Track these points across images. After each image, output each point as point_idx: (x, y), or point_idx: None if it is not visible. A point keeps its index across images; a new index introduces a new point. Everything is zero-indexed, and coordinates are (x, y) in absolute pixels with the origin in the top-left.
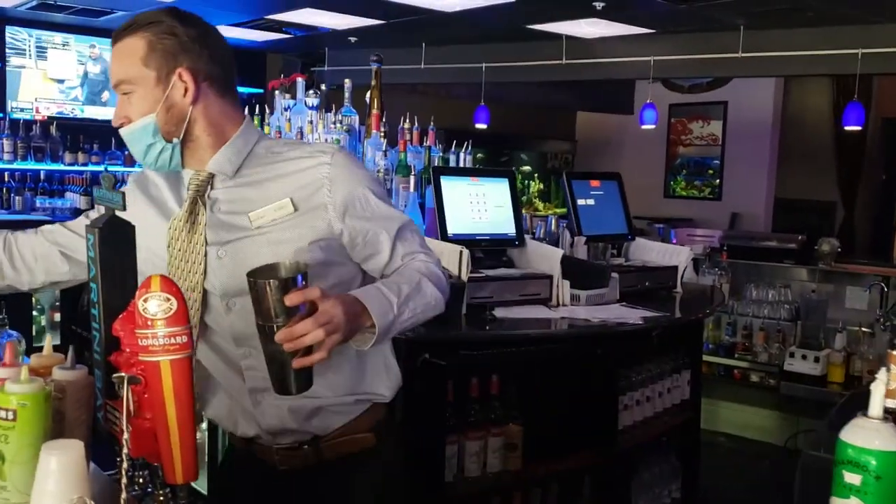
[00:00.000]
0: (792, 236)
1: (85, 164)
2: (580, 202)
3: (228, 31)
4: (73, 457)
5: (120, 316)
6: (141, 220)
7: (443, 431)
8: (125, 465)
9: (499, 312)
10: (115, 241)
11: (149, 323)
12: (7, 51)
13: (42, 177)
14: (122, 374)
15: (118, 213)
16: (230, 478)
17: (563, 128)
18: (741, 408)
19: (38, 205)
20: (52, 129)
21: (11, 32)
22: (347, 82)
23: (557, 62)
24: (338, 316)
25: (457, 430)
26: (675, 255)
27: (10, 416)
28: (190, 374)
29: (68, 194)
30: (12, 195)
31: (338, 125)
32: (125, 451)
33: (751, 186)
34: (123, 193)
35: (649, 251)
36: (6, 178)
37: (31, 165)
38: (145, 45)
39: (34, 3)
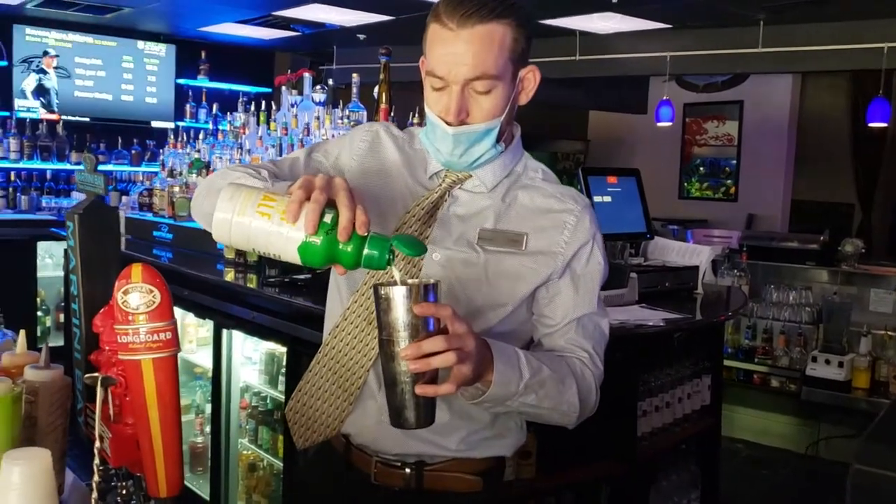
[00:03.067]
0: (813, 237)
1: None
2: (597, 199)
3: (236, 29)
4: (39, 467)
5: (101, 310)
6: (365, 185)
7: None
8: (96, 478)
9: None
10: (98, 228)
11: (129, 318)
12: (14, 49)
13: (48, 176)
14: (96, 374)
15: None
16: (317, 477)
17: (574, 127)
18: (761, 414)
19: (44, 204)
20: (59, 129)
21: (18, 31)
22: (355, 77)
23: (570, 58)
24: (470, 344)
25: None
26: (695, 254)
27: None
28: (175, 374)
29: (74, 194)
30: (18, 194)
31: (345, 120)
32: (96, 461)
33: (767, 187)
34: (105, 176)
35: (669, 251)
36: (12, 178)
37: (37, 165)
38: (513, 35)
39: (40, 1)
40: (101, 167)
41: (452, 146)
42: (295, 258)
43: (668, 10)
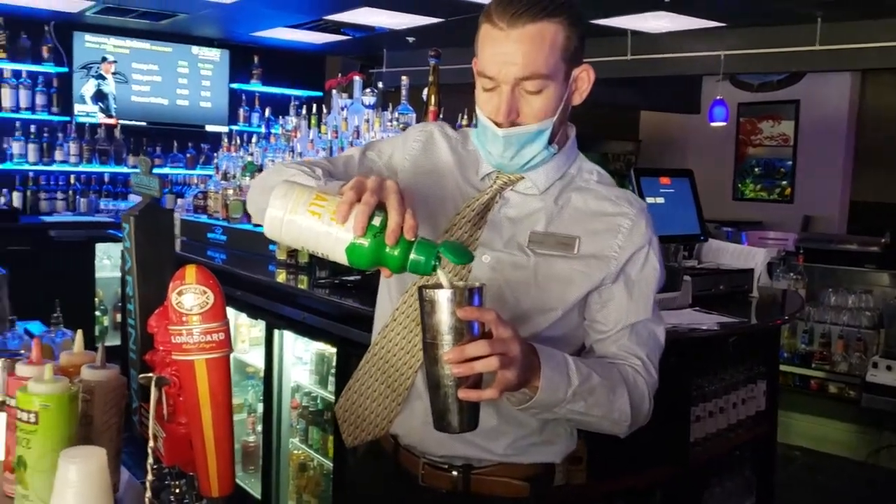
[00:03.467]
0: (873, 239)
1: None
2: (649, 200)
3: (287, 34)
4: (96, 466)
5: (156, 311)
6: (417, 185)
7: None
8: (150, 476)
9: None
10: (153, 230)
11: (183, 318)
12: (74, 56)
13: (106, 179)
14: (150, 374)
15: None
16: (366, 477)
17: (625, 127)
18: (818, 420)
19: (102, 206)
20: (116, 133)
21: (78, 38)
22: (404, 79)
23: (622, 58)
24: (515, 350)
25: None
26: (750, 257)
27: (32, 418)
28: (228, 374)
29: (131, 196)
30: (77, 197)
31: (394, 123)
32: (150, 460)
33: (824, 188)
34: (160, 179)
35: (723, 253)
36: (72, 181)
37: (95, 168)
38: (565, 34)
39: (99, 8)
40: (156, 170)
41: (503, 148)
42: (343, 259)
43: (721, 8)
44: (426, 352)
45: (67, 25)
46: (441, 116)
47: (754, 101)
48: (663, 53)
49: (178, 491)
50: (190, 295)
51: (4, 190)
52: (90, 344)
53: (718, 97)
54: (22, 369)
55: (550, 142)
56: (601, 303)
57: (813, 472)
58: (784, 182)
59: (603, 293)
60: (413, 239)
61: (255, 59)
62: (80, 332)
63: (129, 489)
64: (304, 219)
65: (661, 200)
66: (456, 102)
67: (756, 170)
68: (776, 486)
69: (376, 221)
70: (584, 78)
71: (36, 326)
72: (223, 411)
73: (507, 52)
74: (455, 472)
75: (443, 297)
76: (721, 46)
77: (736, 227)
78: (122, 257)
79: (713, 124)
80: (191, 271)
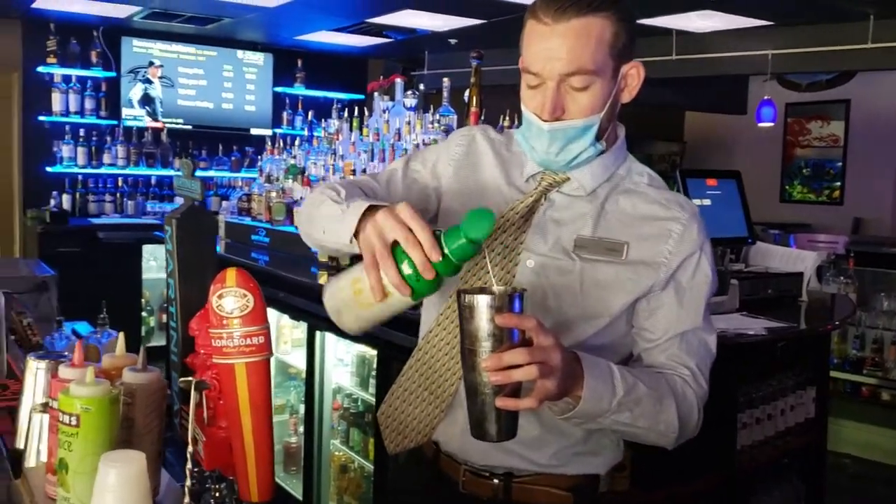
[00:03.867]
0: None
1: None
2: (695, 202)
3: (330, 37)
4: (135, 470)
5: (198, 314)
6: (463, 191)
7: None
8: (188, 482)
9: None
10: (195, 232)
11: (224, 322)
12: (122, 61)
13: (153, 182)
14: (189, 378)
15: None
16: (407, 482)
17: (670, 128)
18: (869, 428)
19: (148, 209)
20: (163, 136)
21: (126, 43)
22: (446, 81)
23: (667, 58)
24: (555, 358)
25: None
26: (799, 260)
27: (74, 421)
28: (268, 378)
29: (177, 199)
30: (125, 199)
31: (435, 125)
32: (188, 465)
33: (876, 190)
34: (201, 181)
35: (771, 256)
36: (119, 184)
37: (142, 171)
38: (612, 30)
39: (146, 13)
40: (202, 173)
41: (548, 143)
42: (412, 302)
43: (769, 6)
44: (464, 358)
45: (116, 31)
46: (483, 118)
47: (803, 101)
48: (709, 53)
49: (218, 495)
50: (230, 298)
51: (54, 192)
52: (136, 345)
53: (766, 97)
54: (64, 371)
55: (598, 139)
56: (650, 310)
57: (863, 481)
58: (834, 184)
59: (651, 300)
60: (440, 257)
61: (299, 62)
62: (121, 334)
63: (169, 492)
64: (360, 311)
65: (707, 202)
66: (498, 103)
67: (805, 171)
68: (825, 495)
69: (407, 269)
70: (634, 75)
71: (83, 327)
72: (263, 415)
73: (551, 47)
74: (496, 480)
75: (481, 303)
76: (768, 45)
77: (784, 230)
78: (165, 260)
79: (760, 125)
80: (231, 274)
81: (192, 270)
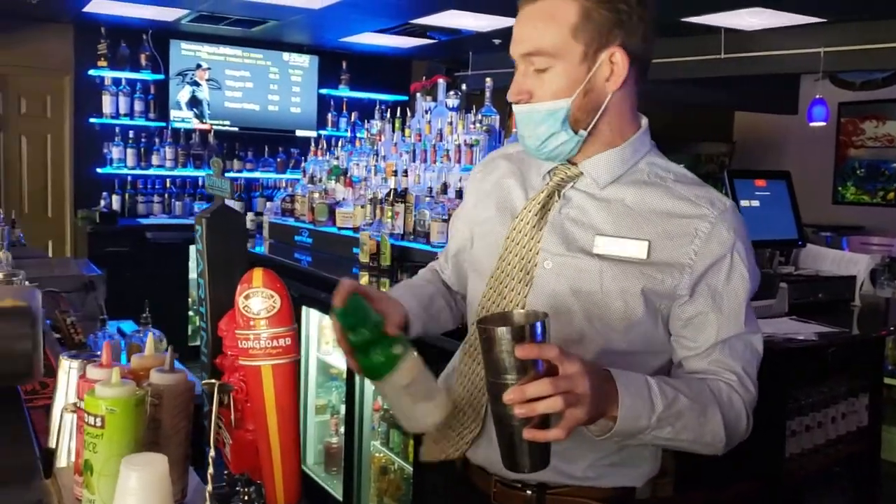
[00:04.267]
0: None
1: (240, 171)
2: (743, 203)
3: (375, 39)
4: (156, 473)
5: (227, 314)
6: (482, 208)
7: None
8: (209, 487)
9: None
10: (225, 231)
11: (251, 323)
12: (170, 63)
13: (200, 182)
14: (213, 381)
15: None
16: (437, 490)
17: (718, 128)
18: None
19: (196, 210)
20: (210, 138)
21: (174, 46)
22: (488, 81)
23: (715, 57)
24: (582, 386)
25: None
26: (852, 263)
27: (98, 422)
28: (294, 382)
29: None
30: (173, 200)
31: (477, 125)
32: (210, 470)
33: None
34: (231, 181)
35: (822, 259)
36: (167, 184)
37: (190, 172)
38: (578, 12)
39: (193, 16)
40: (248, 174)
41: (521, 127)
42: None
43: (822, 2)
44: (489, 389)
45: (164, 34)
46: None
47: (856, 101)
48: (759, 51)
49: (246, 498)
50: (257, 299)
51: (104, 193)
52: (183, 345)
53: (818, 96)
54: (92, 372)
55: (576, 127)
56: (685, 319)
57: None
58: (889, 185)
59: (687, 308)
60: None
61: (344, 64)
62: (151, 334)
63: (198, 494)
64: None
65: (756, 204)
66: None
67: (858, 172)
68: None
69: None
70: (618, 62)
71: (129, 325)
72: (289, 419)
73: (518, 29)
74: (529, 492)
75: (501, 336)
76: (820, 43)
77: (836, 232)
78: (196, 259)
79: (812, 125)
80: (258, 274)
81: (221, 270)
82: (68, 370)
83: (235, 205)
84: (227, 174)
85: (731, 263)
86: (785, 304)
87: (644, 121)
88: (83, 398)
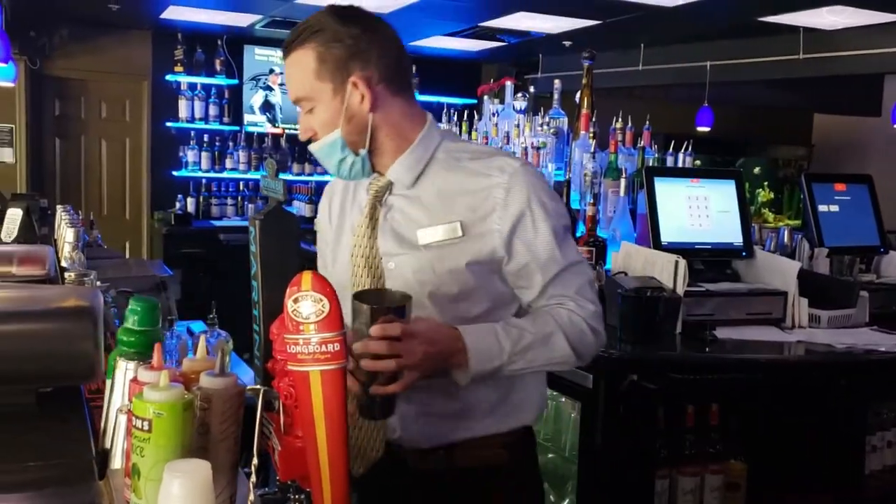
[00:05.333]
0: None
1: (311, 175)
2: (822, 209)
3: (444, 42)
4: (199, 479)
5: (278, 317)
6: (335, 230)
7: (653, 464)
8: (251, 497)
9: (720, 333)
10: (278, 233)
11: (300, 327)
12: (244, 68)
13: None
14: (258, 387)
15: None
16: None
17: (796, 131)
18: None
19: None
20: (282, 142)
21: (248, 51)
22: (557, 83)
23: (793, 57)
24: (416, 354)
25: (669, 464)
26: None
27: (146, 426)
28: (343, 388)
29: (295, 203)
30: (246, 203)
31: (544, 128)
32: (253, 479)
33: None
34: (284, 182)
35: None
36: (241, 187)
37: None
38: (315, 58)
39: (266, 22)
40: (318, 177)
41: (320, 160)
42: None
43: None
44: (349, 352)
45: (238, 39)
46: (594, 120)
47: None
48: (840, 51)
49: None
50: (306, 303)
51: (179, 196)
52: (250, 347)
53: None
54: (143, 374)
55: (356, 148)
56: (515, 273)
57: None
58: None
59: (511, 265)
60: None
61: (413, 67)
62: (202, 336)
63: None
64: None
65: (835, 209)
66: (611, 106)
67: None
68: None
69: None
70: (358, 82)
71: (198, 325)
72: (337, 427)
73: (286, 79)
74: (441, 451)
75: (362, 310)
76: None
77: None
78: (249, 261)
79: None
80: (307, 278)
81: (274, 272)
82: (125, 370)
83: (307, 208)
84: (298, 177)
85: (533, 217)
86: (865, 314)
87: (429, 116)
88: (132, 400)
